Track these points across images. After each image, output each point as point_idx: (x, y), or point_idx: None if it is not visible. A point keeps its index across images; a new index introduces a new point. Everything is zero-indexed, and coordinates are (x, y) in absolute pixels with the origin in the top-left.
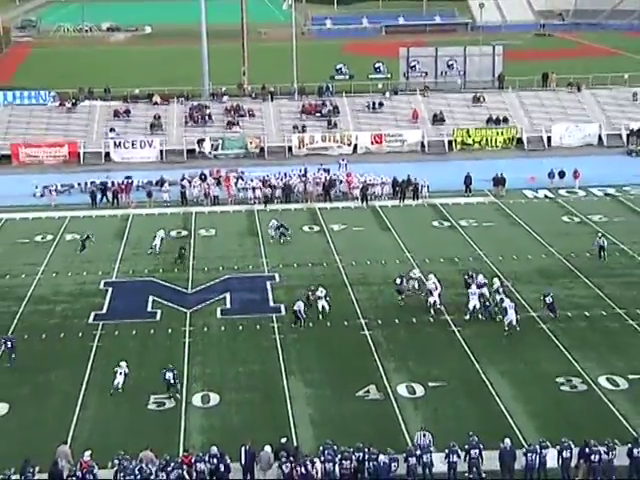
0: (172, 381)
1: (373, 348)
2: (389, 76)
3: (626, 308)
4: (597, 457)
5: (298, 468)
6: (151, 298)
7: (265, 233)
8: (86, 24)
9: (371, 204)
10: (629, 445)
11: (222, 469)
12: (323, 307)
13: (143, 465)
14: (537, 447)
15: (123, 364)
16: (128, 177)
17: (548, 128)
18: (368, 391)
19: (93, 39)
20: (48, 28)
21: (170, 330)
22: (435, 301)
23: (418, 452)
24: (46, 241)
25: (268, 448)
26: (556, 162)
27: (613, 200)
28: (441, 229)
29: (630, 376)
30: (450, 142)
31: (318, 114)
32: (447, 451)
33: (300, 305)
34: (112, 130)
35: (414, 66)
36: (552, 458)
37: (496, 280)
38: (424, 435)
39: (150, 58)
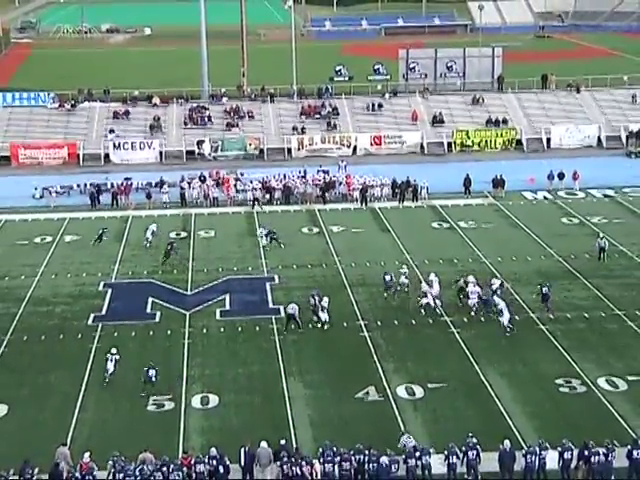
0: (153, 379)
1: (372, 349)
2: (388, 77)
3: (625, 309)
4: (597, 459)
5: (294, 468)
6: (150, 299)
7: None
8: (85, 25)
9: (370, 205)
10: (628, 447)
11: (221, 470)
12: (325, 320)
13: (145, 467)
14: (536, 448)
15: (114, 350)
16: (127, 178)
17: (547, 129)
18: (367, 392)
19: (92, 40)
20: (47, 29)
21: (169, 331)
22: (428, 303)
23: (417, 454)
24: (45, 242)
25: (265, 444)
26: (555, 163)
27: (612, 201)
28: (440, 230)
29: (629, 377)
30: (449, 143)
31: (317, 115)
32: (446, 452)
33: (295, 308)
34: (111, 131)
35: (413, 67)
36: (551, 459)
37: (495, 280)
38: (409, 437)
39: (150, 59)
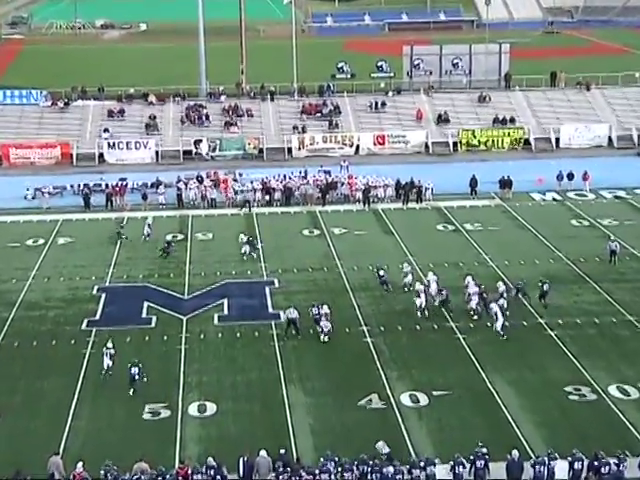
0: (136, 376)
1: (375, 356)
2: (392, 75)
3: (637, 315)
4: (607, 469)
5: (293, 479)
6: (146, 304)
7: (265, 236)
8: (79, 21)
9: (373, 207)
10: None
11: None
12: (328, 330)
13: (140, 477)
14: (545, 458)
15: (110, 344)
16: (122, 179)
17: (556, 129)
18: (370, 400)
19: (86, 36)
20: (40, 25)
21: (166, 337)
22: (422, 304)
23: (422, 463)
24: (38, 245)
25: (264, 453)
26: (565, 164)
27: (623, 203)
28: (445, 233)
29: None
30: (455, 143)
31: (319, 114)
32: (452, 463)
33: (294, 312)
34: (106, 130)
35: (418, 65)
36: (561, 470)
37: (500, 284)
38: (384, 444)
39: (145, 56)
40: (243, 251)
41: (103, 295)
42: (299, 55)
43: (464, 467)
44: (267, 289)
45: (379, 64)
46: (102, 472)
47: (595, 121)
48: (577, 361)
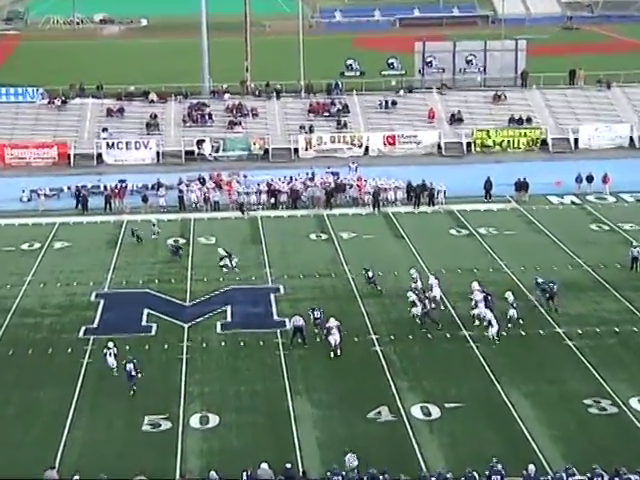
0: (132, 372)
1: (385, 366)
2: (403, 72)
3: None
4: None
5: None
6: (146, 311)
7: (270, 241)
8: (77, 16)
9: (383, 210)
10: None
11: None
12: (336, 342)
13: None
14: (563, 474)
15: (110, 344)
16: (122, 181)
17: (575, 129)
18: (380, 412)
19: (85, 32)
20: (36, 20)
21: (166, 345)
22: (417, 314)
23: (434, 479)
24: (33, 249)
25: (265, 465)
26: (584, 165)
27: None
28: (459, 237)
29: None
30: (469, 144)
31: (326, 113)
32: (464, 478)
33: (300, 320)
34: (105, 130)
35: (430, 62)
36: None
37: (509, 294)
38: (352, 456)
39: (146, 53)
40: (222, 264)
41: (101, 301)
42: (306, 52)
43: None
44: (272, 296)
45: (390, 61)
46: None
47: (616, 121)
48: (597, 372)
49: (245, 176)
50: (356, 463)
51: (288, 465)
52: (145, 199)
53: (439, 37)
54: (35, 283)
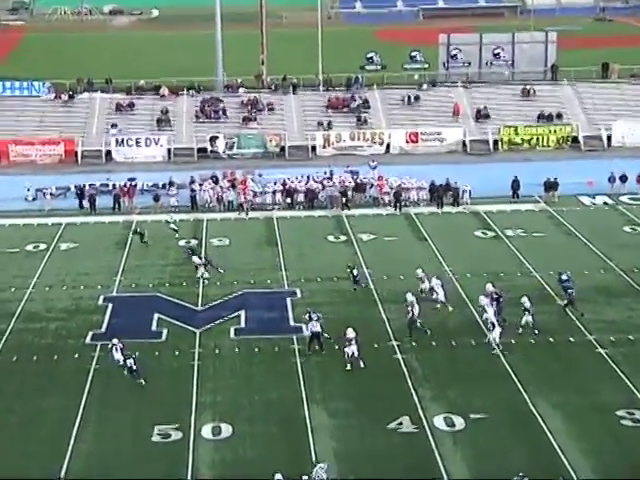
0: (134, 367)
1: (407, 374)
2: (427, 66)
3: None
4: None
5: None
6: (156, 315)
7: (287, 242)
8: (85, 6)
9: (405, 211)
10: None
11: None
12: (353, 353)
13: None
14: None
15: (115, 340)
16: (131, 179)
17: (608, 125)
18: (401, 423)
19: (93, 23)
20: (43, 10)
21: (177, 352)
22: (414, 319)
23: None
24: (39, 250)
25: (279, 476)
26: (617, 164)
27: None
28: (484, 240)
29: None
30: (495, 141)
31: (346, 109)
32: None
33: (317, 326)
34: (114, 126)
35: (455, 55)
36: None
37: (525, 299)
38: (321, 469)
39: (157, 45)
40: (200, 275)
41: (109, 306)
42: (325, 44)
43: None
44: (288, 300)
45: (412, 54)
46: None
47: None
48: (630, 382)
49: (260, 175)
50: (325, 477)
51: (305, 477)
52: (156, 198)
53: (465, 29)
54: (40, 286)
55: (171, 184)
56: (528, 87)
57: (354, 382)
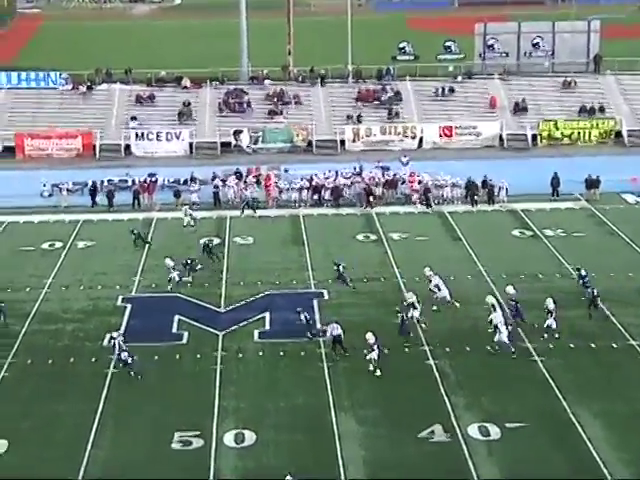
0: (128, 361)
1: (439, 380)
2: (462, 57)
3: None
4: None
5: None
6: (177, 317)
7: (313, 241)
8: None
9: (438, 209)
10: None
11: None
12: (376, 360)
13: None
14: None
15: (115, 334)
16: (152, 174)
17: None
18: (433, 432)
19: (112, 12)
20: None
21: (199, 355)
22: (417, 316)
23: None
24: (55, 249)
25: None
26: None
27: None
28: (522, 239)
29: None
30: (534, 136)
31: (376, 102)
32: None
33: (338, 329)
34: (133, 119)
35: (492, 45)
36: None
37: (550, 301)
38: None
39: (179, 34)
40: (170, 278)
41: (128, 306)
42: (355, 33)
43: None
44: (315, 302)
45: (447, 44)
46: None
47: None
48: None
49: (286, 170)
50: None
51: None
52: (177, 194)
53: (502, 17)
54: (56, 286)
55: (193, 180)
56: (569, 79)
57: (383, 388)
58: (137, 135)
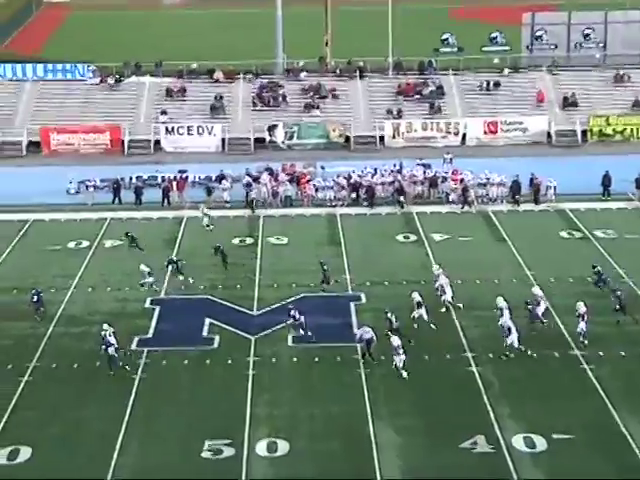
0: (116, 355)
1: (482, 388)
2: (508, 49)
3: None
4: None
5: None
6: (208, 320)
7: (351, 242)
8: None
9: (482, 209)
10: None
11: None
12: (403, 363)
13: None
14: None
15: (106, 326)
16: (182, 171)
17: None
18: (475, 442)
19: (142, 1)
20: None
21: (230, 360)
22: (422, 315)
23: None
24: (81, 248)
25: None
26: None
27: None
28: (571, 241)
29: None
30: (584, 132)
31: (418, 96)
32: None
33: (370, 333)
34: (163, 113)
35: (540, 36)
36: None
37: (581, 304)
38: None
39: (211, 25)
40: (143, 283)
41: (157, 309)
42: (395, 24)
43: None
44: (352, 305)
45: (492, 35)
46: None
47: None
48: None
49: (323, 168)
50: None
51: None
52: (209, 191)
53: (551, 7)
54: (82, 287)
55: (224, 177)
56: (622, 72)
57: (424, 397)
58: (167, 130)
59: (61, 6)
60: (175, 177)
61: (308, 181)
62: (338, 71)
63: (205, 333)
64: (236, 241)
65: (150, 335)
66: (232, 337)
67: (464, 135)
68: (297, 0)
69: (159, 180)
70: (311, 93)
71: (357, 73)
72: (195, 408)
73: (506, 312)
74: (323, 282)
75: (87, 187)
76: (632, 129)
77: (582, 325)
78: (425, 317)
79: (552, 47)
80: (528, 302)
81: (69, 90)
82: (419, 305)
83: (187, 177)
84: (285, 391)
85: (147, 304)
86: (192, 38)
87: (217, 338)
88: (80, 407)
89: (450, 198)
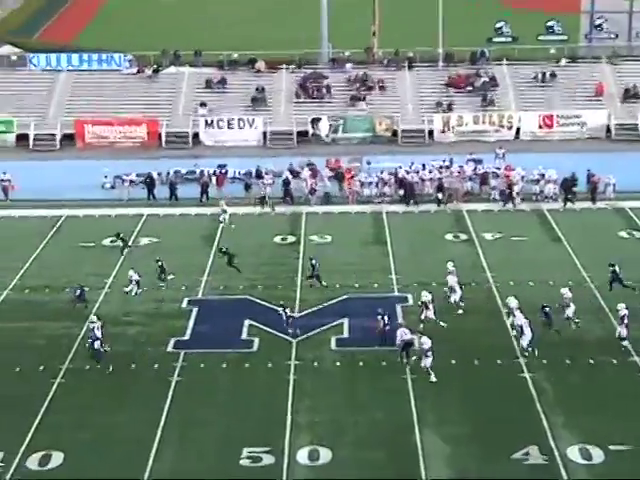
0: (101, 350)
1: (536, 396)
2: (565, 38)
3: None
4: None
5: None
6: (247, 322)
7: (397, 241)
8: None
9: (536, 207)
10: None
11: None
12: (430, 366)
13: None
14: None
15: (94, 318)
16: (221, 166)
17: None
18: (527, 453)
19: None
20: None
21: (270, 364)
22: (428, 316)
23: None
24: (116, 245)
25: None
26: None
27: None
28: (630, 241)
29: None
30: None
31: (469, 88)
32: None
33: (408, 334)
34: (203, 105)
35: (600, 25)
36: None
37: (621, 306)
38: None
39: (253, 13)
40: (128, 290)
41: (195, 310)
42: (446, 12)
43: None
44: (398, 307)
45: (549, 24)
46: None
47: None
48: None
49: (369, 163)
50: None
51: None
52: (248, 187)
53: None
54: (117, 286)
55: (265, 172)
56: None
57: (473, 404)
58: (206, 123)
59: None
60: (214, 172)
61: (353, 177)
62: (385, 62)
63: (244, 335)
64: (277, 239)
65: (187, 337)
66: (272, 340)
67: (518, 129)
68: None
69: (197, 175)
70: (357, 85)
71: (405, 64)
72: (233, 413)
73: (517, 312)
74: (311, 277)
75: (123, 182)
76: None
77: (621, 328)
78: (432, 316)
79: (613, 36)
80: (545, 305)
81: (105, 81)
82: (426, 306)
83: (227, 172)
84: (327, 397)
85: (184, 304)
86: (233, 27)
87: (257, 341)
88: (114, 411)
89: (492, 195)
